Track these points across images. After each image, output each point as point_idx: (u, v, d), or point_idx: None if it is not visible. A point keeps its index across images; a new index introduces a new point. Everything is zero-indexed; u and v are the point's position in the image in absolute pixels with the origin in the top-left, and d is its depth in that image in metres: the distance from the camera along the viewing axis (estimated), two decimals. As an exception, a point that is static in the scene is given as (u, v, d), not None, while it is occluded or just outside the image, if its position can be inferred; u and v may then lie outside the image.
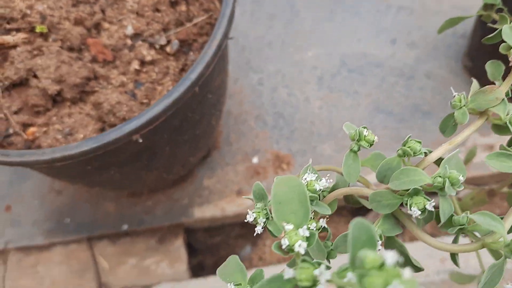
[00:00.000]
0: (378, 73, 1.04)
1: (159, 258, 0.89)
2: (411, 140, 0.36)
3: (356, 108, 1.00)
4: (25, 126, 0.62)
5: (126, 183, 0.72)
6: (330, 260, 0.38)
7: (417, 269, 0.35)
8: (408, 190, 0.33)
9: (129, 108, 0.58)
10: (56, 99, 0.63)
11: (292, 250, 0.27)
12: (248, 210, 0.37)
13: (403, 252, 0.35)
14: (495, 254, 0.38)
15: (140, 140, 0.53)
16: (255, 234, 0.35)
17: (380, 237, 0.34)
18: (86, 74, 0.61)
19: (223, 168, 0.95)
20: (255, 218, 0.36)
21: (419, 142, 0.36)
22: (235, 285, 0.38)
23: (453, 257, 0.35)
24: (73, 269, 0.88)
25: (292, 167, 0.94)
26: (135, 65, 0.64)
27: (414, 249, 0.87)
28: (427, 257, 0.86)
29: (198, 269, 1.03)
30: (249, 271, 0.85)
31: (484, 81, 0.43)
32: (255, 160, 0.96)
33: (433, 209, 0.32)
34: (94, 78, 0.64)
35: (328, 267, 0.24)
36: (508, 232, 0.34)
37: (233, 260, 0.40)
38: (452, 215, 0.35)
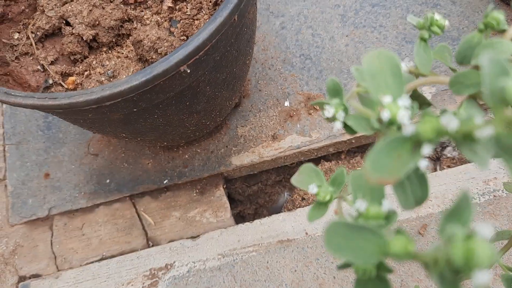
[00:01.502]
0: (401, 3, 1.01)
1: (202, 209, 0.90)
2: (492, 10, 0.34)
3: (383, 41, 0.98)
4: (64, 75, 0.61)
5: (168, 130, 0.71)
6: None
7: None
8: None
9: (170, 43, 0.57)
10: (92, 45, 0.62)
11: (394, 122, 0.26)
12: (325, 105, 0.36)
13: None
14: None
15: (188, 70, 0.52)
16: (334, 130, 0.33)
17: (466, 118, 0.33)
18: (120, 15, 0.60)
19: (255, 115, 0.94)
20: (333, 113, 0.35)
21: (501, 13, 0.34)
22: (317, 186, 0.37)
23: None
24: (119, 227, 0.89)
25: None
26: (168, 3, 0.62)
27: (457, 173, 0.86)
28: (470, 179, 0.85)
29: (239, 219, 1.04)
30: (294, 212, 0.84)
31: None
32: (286, 103, 0.94)
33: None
34: (128, 20, 0.62)
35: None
36: None
37: (307, 167, 0.40)
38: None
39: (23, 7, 0.63)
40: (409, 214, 0.84)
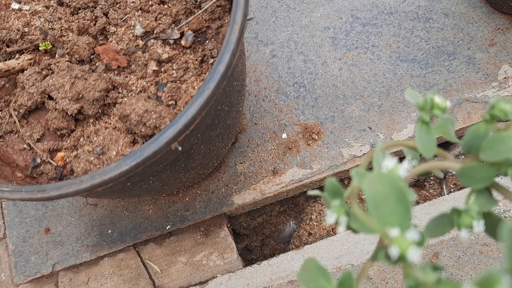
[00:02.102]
0: (392, 21, 0.98)
1: (208, 252, 0.88)
2: (499, 101, 0.32)
3: (377, 62, 0.95)
4: (52, 152, 0.59)
5: (165, 188, 0.69)
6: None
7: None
8: (503, 159, 0.30)
9: (158, 114, 0.55)
10: (78, 118, 0.60)
11: (405, 259, 0.24)
12: (324, 209, 0.34)
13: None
14: None
15: (180, 148, 0.50)
16: (337, 234, 0.32)
17: (478, 214, 0.31)
18: (104, 86, 0.58)
19: (253, 150, 0.92)
20: (336, 219, 0.33)
21: (509, 103, 0.32)
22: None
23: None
24: (126, 278, 0.87)
25: (323, 135, 0.91)
26: (153, 66, 0.60)
27: (464, 196, 0.84)
28: None
29: (246, 252, 1.02)
30: (302, 249, 0.82)
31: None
32: (284, 135, 0.92)
33: (537, 176, 0.29)
34: (112, 88, 0.60)
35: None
36: None
37: (311, 262, 0.38)
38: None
39: (3, 82, 0.61)
40: (419, 243, 0.82)
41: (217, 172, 0.91)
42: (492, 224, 0.33)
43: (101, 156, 0.56)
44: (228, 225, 0.92)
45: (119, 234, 0.90)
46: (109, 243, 0.89)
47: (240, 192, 0.90)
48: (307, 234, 0.90)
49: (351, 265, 0.79)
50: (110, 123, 0.59)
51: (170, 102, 0.59)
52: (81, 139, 0.57)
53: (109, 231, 0.90)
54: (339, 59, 0.97)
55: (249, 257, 1.02)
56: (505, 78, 0.91)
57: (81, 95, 0.58)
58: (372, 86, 0.94)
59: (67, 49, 0.62)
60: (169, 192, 0.80)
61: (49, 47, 0.63)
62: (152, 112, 0.55)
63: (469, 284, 0.20)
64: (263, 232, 1.03)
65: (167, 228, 0.89)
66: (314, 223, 0.90)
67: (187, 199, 0.90)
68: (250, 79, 0.98)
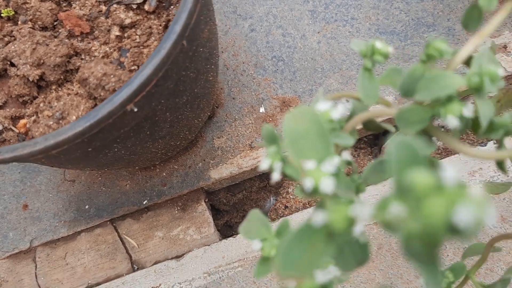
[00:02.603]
0: (373, -7, 0.97)
1: (185, 226, 0.88)
2: (433, 39, 0.31)
3: (356, 35, 0.94)
4: (15, 119, 0.59)
5: (134, 158, 0.69)
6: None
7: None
8: (439, 98, 0.29)
9: (118, 78, 0.54)
10: (41, 85, 0.59)
11: (318, 191, 0.24)
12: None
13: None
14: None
15: (135, 109, 0.49)
16: (274, 182, 0.31)
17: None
18: (65, 51, 0.57)
19: (231, 124, 0.91)
20: (270, 164, 0.33)
21: (445, 42, 0.31)
22: (261, 240, 0.35)
23: (500, 165, 0.32)
24: (103, 253, 0.87)
25: (301, 110, 0.90)
26: (116, 31, 0.59)
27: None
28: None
29: (227, 229, 1.02)
30: (277, 222, 0.83)
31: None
32: (262, 109, 0.92)
33: (471, 114, 0.28)
34: (75, 54, 0.59)
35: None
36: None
37: (254, 215, 0.37)
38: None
39: (-35, 49, 0.60)
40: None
41: (194, 147, 0.91)
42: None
43: (60, 121, 0.55)
44: (206, 200, 0.92)
45: (96, 209, 0.89)
46: (86, 218, 0.89)
47: (217, 167, 0.89)
48: (283, 207, 0.90)
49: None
50: (73, 89, 0.58)
51: (133, 67, 0.58)
52: (42, 105, 0.57)
53: (87, 207, 0.90)
54: (318, 32, 0.95)
55: (229, 233, 1.02)
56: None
57: (42, 61, 0.57)
58: (350, 59, 0.92)
59: (30, 15, 0.61)
60: (142, 165, 0.79)
61: (11, 14, 0.62)
62: (111, 76, 0.54)
63: (363, 205, 0.19)
64: (244, 208, 1.03)
65: (144, 203, 0.88)
66: (291, 196, 0.89)
67: (164, 174, 0.90)
68: (228, 54, 0.97)
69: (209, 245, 0.84)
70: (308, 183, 0.24)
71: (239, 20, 0.99)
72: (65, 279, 0.86)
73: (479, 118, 0.28)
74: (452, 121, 0.28)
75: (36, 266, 0.88)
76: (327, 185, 0.23)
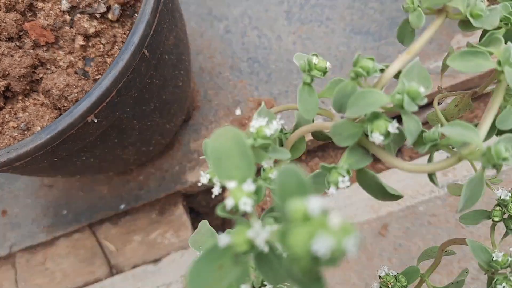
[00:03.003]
0: (347, -7, 0.97)
1: (163, 230, 0.89)
2: (361, 57, 0.32)
3: (330, 35, 0.95)
4: (-19, 130, 0.59)
5: (105, 165, 0.69)
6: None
7: (395, 197, 0.32)
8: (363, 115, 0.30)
9: (81, 88, 0.54)
10: (8, 95, 0.60)
11: (237, 208, 0.25)
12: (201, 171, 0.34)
13: (376, 183, 0.32)
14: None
15: (96, 120, 0.50)
16: (213, 196, 0.32)
17: (348, 172, 0.31)
18: (30, 62, 0.57)
19: (207, 127, 0.92)
20: (209, 179, 0.33)
21: (372, 59, 0.32)
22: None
23: (431, 177, 0.32)
24: (82, 258, 0.88)
25: (277, 111, 0.91)
26: (80, 41, 0.59)
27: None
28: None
29: (207, 231, 1.03)
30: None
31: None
32: (238, 112, 0.92)
33: (397, 131, 0.29)
34: (40, 64, 0.60)
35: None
36: (487, 139, 0.31)
37: (203, 226, 0.38)
38: (423, 132, 0.31)
39: None
40: (369, 215, 0.83)
41: (171, 150, 0.91)
42: (367, 180, 0.33)
43: (25, 132, 0.55)
44: (185, 203, 0.92)
45: (74, 214, 0.90)
46: (65, 223, 0.90)
47: (194, 170, 0.90)
48: (260, 210, 0.90)
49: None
50: (39, 100, 0.59)
51: (97, 77, 0.58)
52: (7, 116, 0.57)
53: (65, 212, 0.90)
54: (293, 33, 0.96)
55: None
56: (457, 48, 0.90)
57: (7, 72, 0.57)
58: (326, 60, 0.93)
59: (-5, 26, 0.61)
60: (116, 170, 0.80)
61: (-24, 25, 0.62)
62: (74, 87, 0.54)
63: (259, 229, 0.20)
64: (225, 209, 1.03)
65: (121, 207, 0.89)
66: (267, 199, 0.90)
67: (141, 178, 0.90)
68: (204, 56, 0.97)
69: (186, 249, 0.85)
70: (229, 202, 0.25)
71: (215, 21, 0.99)
72: (45, 284, 0.87)
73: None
74: (377, 138, 0.28)
75: (16, 272, 0.89)
76: (246, 204, 0.24)
